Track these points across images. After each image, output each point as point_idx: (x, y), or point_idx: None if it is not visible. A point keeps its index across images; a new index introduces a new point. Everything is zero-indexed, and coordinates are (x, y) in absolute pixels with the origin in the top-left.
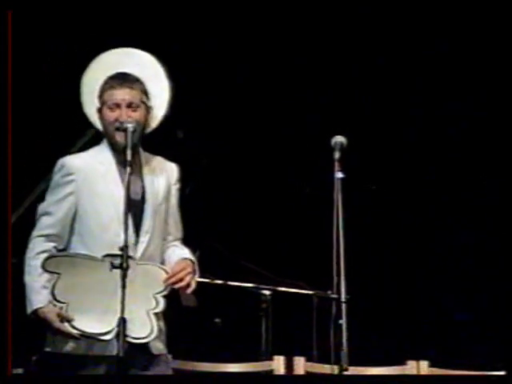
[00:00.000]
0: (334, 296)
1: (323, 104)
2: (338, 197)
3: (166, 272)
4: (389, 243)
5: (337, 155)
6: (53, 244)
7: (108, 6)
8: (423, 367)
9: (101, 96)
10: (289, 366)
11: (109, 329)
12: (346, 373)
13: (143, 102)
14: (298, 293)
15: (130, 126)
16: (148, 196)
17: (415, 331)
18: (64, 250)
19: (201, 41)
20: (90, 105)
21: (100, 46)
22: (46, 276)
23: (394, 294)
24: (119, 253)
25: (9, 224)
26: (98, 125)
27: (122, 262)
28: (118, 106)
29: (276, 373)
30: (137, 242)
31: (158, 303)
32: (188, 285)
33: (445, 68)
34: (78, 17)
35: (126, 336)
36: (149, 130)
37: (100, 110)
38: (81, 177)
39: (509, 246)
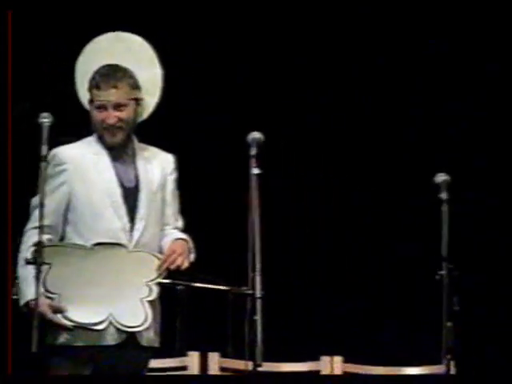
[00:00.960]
0: (249, 292)
1: (323, 104)
2: (254, 193)
3: (159, 259)
4: (305, 238)
5: (253, 151)
6: (47, 236)
7: (108, 6)
8: (337, 363)
9: (90, 90)
10: (203, 361)
11: (102, 318)
12: (260, 369)
13: (131, 98)
14: (213, 288)
15: (46, 121)
16: (142, 184)
17: (330, 327)
18: (60, 241)
19: (201, 41)
20: (83, 96)
21: None
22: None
23: (308, 289)
24: (111, 241)
25: (9, 223)
26: None
27: (35, 256)
28: (104, 107)
29: (190, 369)
30: (131, 230)
31: (151, 291)
32: (179, 266)
33: (445, 68)
34: (79, 17)
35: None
36: (141, 119)
37: (90, 104)
38: (73, 166)
39: None
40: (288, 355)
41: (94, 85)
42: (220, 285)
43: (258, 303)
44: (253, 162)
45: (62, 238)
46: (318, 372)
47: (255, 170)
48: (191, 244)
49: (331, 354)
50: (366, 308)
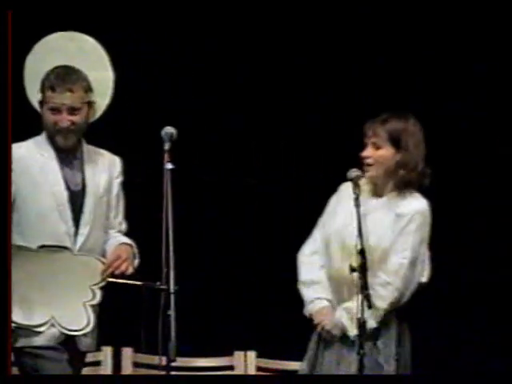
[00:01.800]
0: (163, 287)
1: (323, 104)
2: (168, 188)
3: (103, 263)
4: (220, 234)
5: (167, 146)
6: None
7: (109, 5)
8: (250, 358)
9: (42, 91)
10: (116, 356)
11: (44, 320)
12: (173, 364)
13: (85, 102)
14: (126, 283)
15: None
16: (88, 188)
17: (244, 322)
18: None
19: (201, 41)
20: (32, 95)
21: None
22: None
23: (223, 285)
24: (55, 243)
25: (8, 222)
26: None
27: None
28: (58, 110)
29: (103, 364)
30: (76, 234)
31: (94, 295)
32: (124, 272)
33: (445, 68)
34: (79, 17)
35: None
36: (93, 119)
37: (42, 104)
38: (20, 166)
39: None
40: (202, 350)
41: (49, 86)
42: (133, 280)
43: (172, 298)
44: (166, 156)
45: None
46: (231, 367)
47: (168, 165)
48: (135, 249)
49: (245, 349)
50: (280, 303)
